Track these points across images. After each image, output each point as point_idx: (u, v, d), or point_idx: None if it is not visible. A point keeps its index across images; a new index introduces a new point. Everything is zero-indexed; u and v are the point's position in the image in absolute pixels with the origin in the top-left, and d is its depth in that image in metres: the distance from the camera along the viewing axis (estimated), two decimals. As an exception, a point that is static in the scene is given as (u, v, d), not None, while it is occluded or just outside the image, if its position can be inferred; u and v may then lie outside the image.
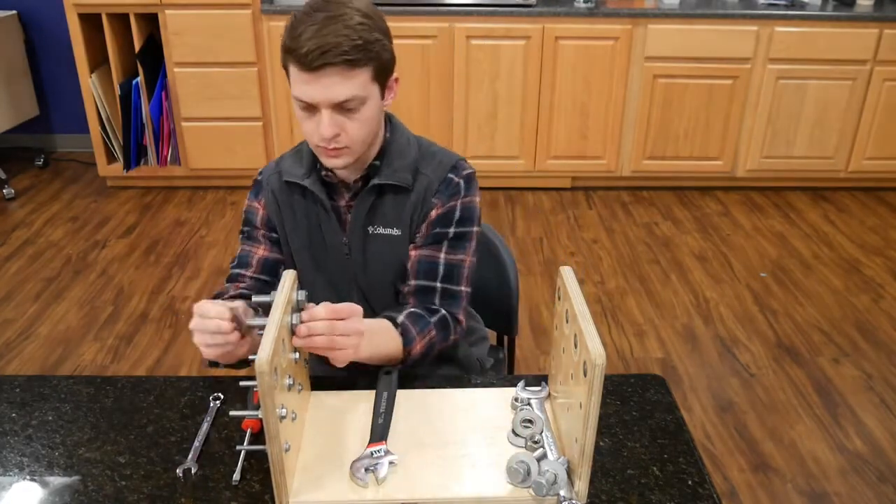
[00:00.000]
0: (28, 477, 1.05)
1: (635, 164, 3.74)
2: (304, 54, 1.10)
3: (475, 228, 1.33)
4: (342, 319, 1.06)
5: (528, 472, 1.00)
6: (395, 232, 1.31)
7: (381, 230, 1.32)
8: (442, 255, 1.31)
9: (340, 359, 1.08)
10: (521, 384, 1.20)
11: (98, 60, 3.62)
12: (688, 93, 3.57)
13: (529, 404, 1.16)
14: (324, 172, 1.30)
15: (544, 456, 1.04)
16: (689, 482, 1.04)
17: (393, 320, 1.25)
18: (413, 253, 1.32)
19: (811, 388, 2.40)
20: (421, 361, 1.27)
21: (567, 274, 1.06)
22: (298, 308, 1.06)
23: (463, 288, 1.33)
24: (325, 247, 1.34)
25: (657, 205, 3.70)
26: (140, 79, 3.56)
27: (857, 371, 2.48)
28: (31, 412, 1.17)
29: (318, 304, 1.07)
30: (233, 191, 3.80)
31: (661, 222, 3.52)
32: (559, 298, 1.10)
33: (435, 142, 1.39)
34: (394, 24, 3.94)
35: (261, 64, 3.52)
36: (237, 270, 1.36)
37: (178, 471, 1.05)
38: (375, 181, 1.28)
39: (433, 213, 1.30)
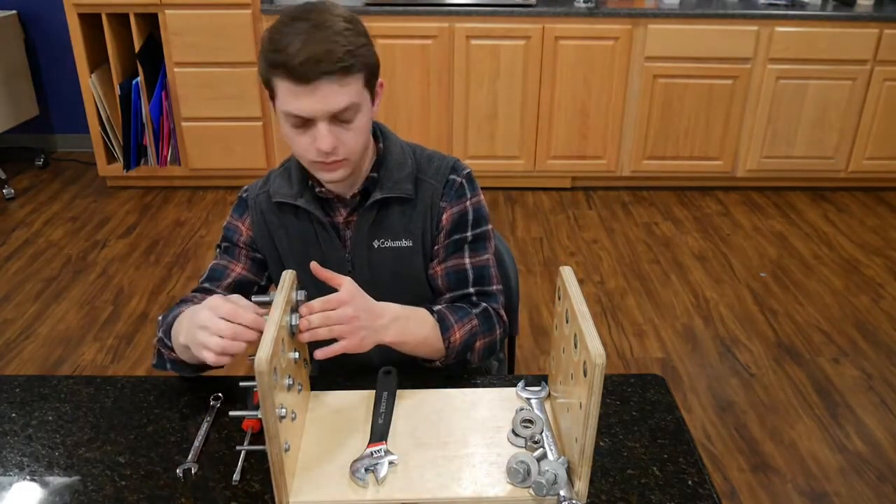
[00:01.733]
0: (28, 477, 1.05)
1: (635, 164, 3.74)
2: (296, 66, 1.06)
3: (489, 227, 1.33)
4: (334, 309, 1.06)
5: (528, 472, 1.00)
6: (406, 243, 1.29)
7: (388, 243, 1.29)
8: (467, 261, 1.30)
9: (354, 345, 1.07)
10: (521, 384, 1.20)
11: (98, 60, 3.62)
12: (688, 93, 3.57)
13: (530, 404, 1.16)
14: (317, 189, 1.26)
15: (544, 456, 1.04)
16: (689, 482, 1.04)
17: (429, 309, 1.23)
18: (438, 269, 1.30)
19: (811, 388, 2.40)
20: (463, 352, 1.25)
21: (567, 274, 1.06)
22: (298, 308, 1.06)
23: (495, 287, 1.32)
24: (324, 265, 1.29)
25: (657, 205, 3.70)
26: (140, 79, 3.56)
27: (857, 371, 2.48)
28: (31, 412, 1.17)
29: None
30: (233, 191, 3.80)
31: (661, 222, 3.53)
32: (559, 298, 1.10)
33: (423, 145, 1.37)
34: (394, 24, 3.93)
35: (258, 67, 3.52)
36: (206, 285, 1.31)
37: (178, 471, 1.05)
38: (378, 195, 1.25)
39: (445, 219, 1.28)
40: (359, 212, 1.27)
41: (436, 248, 1.30)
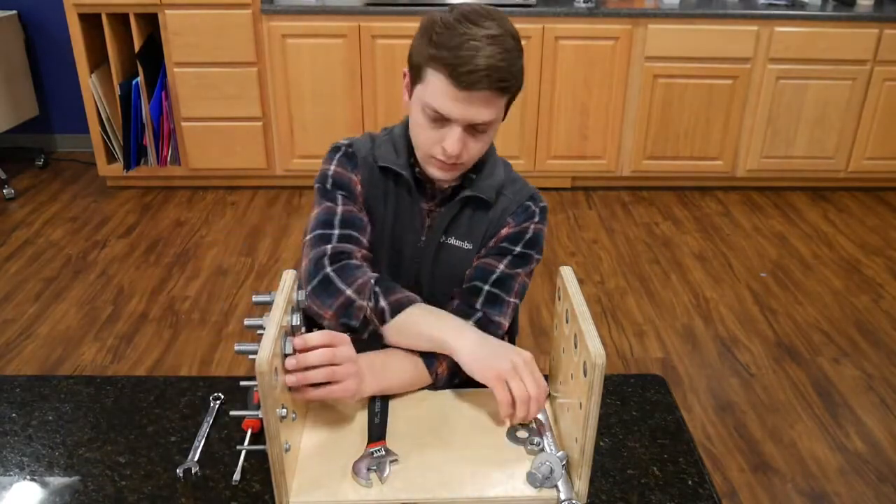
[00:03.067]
0: (28, 477, 1.05)
1: (635, 164, 3.74)
2: (466, 73, 1.07)
3: (538, 256, 1.33)
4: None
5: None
6: (467, 245, 1.30)
7: (454, 241, 1.30)
8: (501, 266, 1.29)
9: (341, 394, 1.04)
10: (521, 384, 1.20)
11: (98, 60, 3.62)
12: (688, 93, 3.57)
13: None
14: (417, 170, 1.27)
15: (542, 450, 1.04)
16: (689, 482, 1.04)
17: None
18: (475, 261, 1.31)
19: (811, 388, 2.40)
20: (451, 378, 1.20)
21: (567, 274, 1.06)
22: (299, 308, 1.06)
23: (511, 298, 1.28)
24: (401, 244, 1.31)
25: (657, 205, 3.70)
26: (140, 79, 3.56)
27: (857, 371, 2.48)
28: (31, 412, 1.17)
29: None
30: (233, 191, 3.80)
31: (661, 222, 3.53)
32: (559, 298, 1.10)
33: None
34: (394, 24, 3.93)
35: (261, 64, 3.52)
36: (351, 232, 1.23)
37: (178, 471, 1.05)
38: (468, 192, 1.26)
39: (504, 231, 1.30)
40: (445, 205, 1.28)
41: (484, 249, 1.31)
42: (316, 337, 1.01)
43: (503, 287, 1.28)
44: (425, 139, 1.17)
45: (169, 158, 3.75)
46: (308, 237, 1.24)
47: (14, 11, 3.88)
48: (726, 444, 2.16)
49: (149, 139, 3.69)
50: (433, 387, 1.20)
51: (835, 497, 1.98)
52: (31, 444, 1.11)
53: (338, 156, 1.29)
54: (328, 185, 1.27)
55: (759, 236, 3.40)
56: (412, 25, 3.41)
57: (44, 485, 1.04)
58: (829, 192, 3.85)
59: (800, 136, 3.67)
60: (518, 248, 1.30)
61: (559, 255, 3.22)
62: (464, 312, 1.24)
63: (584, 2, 3.52)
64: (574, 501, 0.98)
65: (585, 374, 0.93)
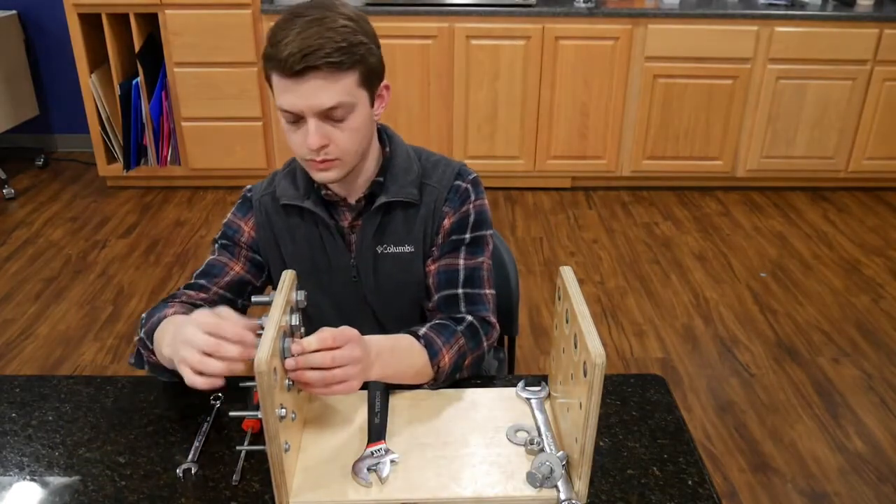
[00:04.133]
0: (28, 477, 1.05)
1: (635, 164, 3.74)
2: (284, 59, 1.05)
3: (489, 231, 1.30)
4: (337, 349, 0.99)
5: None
6: (408, 249, 1.28)
7: (391, 249, 1.28)
8: (461, 261, 1.27)
9: (343, 393, 1.01)
10: (521, 384, 1.20)
11: (98, 60, 3.62)
12: (688, 93, 3.57)
13: (530, 404, 1.16)
14: (323, 192, 1.25)
15: (542, 450, 1.04)
16: (689, 482, 1.04)
17: (415, 334, 1.18)
18: (432, 267, 1.28)
19: (811, 388, 2.40)
20: (453, 374, 1.20)
21: (567, 274, 1.06)
22: (297, 308, 1.06)
23: (486, 291, 1.28)
24: (329, 269, 1.29)
25: (657, 205, 3.70)
26: (140, 79, 3.56)
27: (857, 371, 2.48)
28: (31, 412, 1.17)
29: (326, 327, 1.01)
30: (233, 191, 3.80)
31: (661, 222, 3.53)
32: (559, 298, 1.10)
33: (429, 149, 1.35)
34: (394, 24, 3.93)
35: (261, 64, 3.52)
36: (202, 281, 1.28)
37: (178, 471, 1.05)
38: (383, 199, 1.24)
39: (446, 223, 1.27)
40: (364, 216, 1.26)
41: (433, 248, 1.29)
42: (313, 342, 0.98)
43: (475, 283, 1.27)
44: (294, 144, 1.15)
45: (169, 158, 3.75)
46: None
47: (14, 11, 3.88)
48: (726, 444, 2.16)
49: (149, 139, 3.69)
50: (434, 382, 1.19)
51: (835, 497, 1.98)
52: (31, 444, 1.11)
53: (237, 204, 1.33)
54: (217, 235, 1.33)
55: (759, 236, 3.40)
56: (412, 25, 3.42)
57: (44, 485, 1.04)
58: (829, 192, 3.85)
59: (800, 136, 3.67)
60: (468, 235, 1.27)
61: (559, 255, 3.22)
62: (454, 321, 1.23)
63: (584, 2, 3.52)
64: (574, 501, 0.98)
65: (585, 374, 0.93)
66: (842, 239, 3.38)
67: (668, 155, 3.71)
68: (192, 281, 1.29)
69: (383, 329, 1.31)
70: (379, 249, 1.28)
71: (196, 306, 1.21)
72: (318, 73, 1.07)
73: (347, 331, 1.01)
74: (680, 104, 3.59)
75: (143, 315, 1.21)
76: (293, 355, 0.97)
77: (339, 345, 0.99)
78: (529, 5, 3.44)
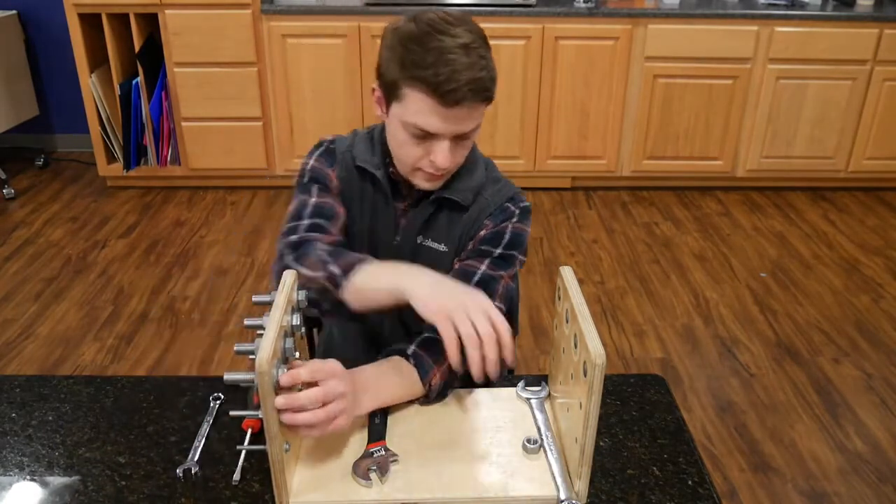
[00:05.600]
0: (28, 477, 1.05)
1: (635, 164, 3.74)
2: (450, 91, 1.05)
3: (521, 257, 1.28)
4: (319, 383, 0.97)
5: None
6: (443, 248, 1.28)
7: (430, 243, 1.29)
8: (483, 267, 1.24)
9: (333, 431, 0.99)
10: (521, 384, 1.20)
11: (98, 60, 3.62)
12: (688, 93, 3.57)
13: (530, 404, 1.16)
14: (391, 169, 1.26)
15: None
16: (689, 482, 1.04)
17: (404, 353, 1.15)
18: (455, 265, 1.26)
19: (811, 388, 2.40)
20: (444, 389, 1.16)
21: (567, 274, 1.06)
22: (299, 308, 1.06)
23: (495, 302, 1.20)
24: (377, 243, 1.30)
25: (657, 205, 3.70)
26: (140, 79, 3.56)
27: (857, 371, 2.48)
28: (31, 412, 1.17)
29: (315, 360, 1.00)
30: (233, 191, 3.80)
31: (661, 222, 3.53)
32: (559, 298, 1.09)
33: (497, 168, 1.35)
34: (394, 24, 3.82)
35: (261, 64, 3.52)
36: (320, 221, 1.22)
37: (178, 471, 1.05)
38: (442, 193, 1.24)
39: (482, 233, 1.26)
40: (419, 205, 1.27)
41: (462, 252, 1.28)
42: (304, 373, 0.95)
43: (487, 289, 1.20)
44: (410, 155, 1.16)
45: (169, 158, 3.75)
46: (281, 231, 1.24)
47: (14, 11, 3.88)
48: (726, 444, 2.16)
49: (149, 139, 3.69)
50: (426, 398, 1.15)
51: (835, 497, 1.98)
52: (31, 444, 1.11)
53: (318, 151, 1.31)
54: (305, 179, 1.28)
55: (759, 236, 3.40)
56: (412, 25, 3.42)
57: (44, 485, 1.04)
58: (829, 192, 3.85)
59: (800, 136, 3.67)
60: (499, 250, 1.25)
61: (559, 255, 3.22)
62: (437, 345, 1.15)
63: (584, 2, 3.52)
64: (574, 501, 0.98)
65: (585, 374, 0.93)
66: (842, 239, 3.38)
67: (668, 155, 3.71)
68: (309, 221, 1.22)
69: (402, 319, 1.31)
70: (419, 240, 1.29)
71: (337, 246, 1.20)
72: (472, 104, 1.09)
73: (329, 366, 1.00)
74: (680, 104, 3.59)
75: (319, 252, 1.15)
76: (282, 387, 0.94)
77: (327, 378, 0.97)
78: (529, 5, 3.44)
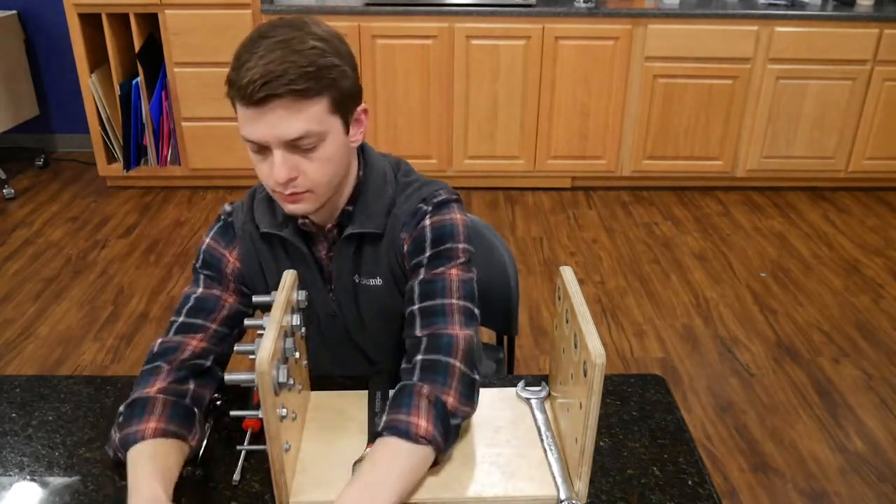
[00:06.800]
0: (28, 477, 1.05)
1: (635, 164, 3.74)
2: (244, 85, 0.96)
3: (459, 245, 1.14)
4: None
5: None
6: (378, 282, 1.19)
7: (365, 281, 1.19)
8: (418, 281, 1.12)
9: None
10: (521, 384, 1.20)
11: (98, 60, 3.62)
12: (688, 93, 3.57)
13: (530, 404, 1.16)
14: (300, 221, 1.15)
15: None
16: (689, 482, 1.04)
17: (378, 434, 1.00)
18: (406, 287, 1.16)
19: (811, 388, 2.40)
20: (449, 424, 1.01)
21: (567, 274, 1.06)
22: (298, 308, 1.06)
23: (450, 300, 1.10)
24: (312, 303, 1.19)
25: (657, 205, 3.70)
26: (140, 79, 3.56)
27: (857, 371, 2.48)
28: (31, 412, 1.17)
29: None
30: (232, 191, 3.80)
31: (661, 222, 3.53)
32: (559, 298, 1.09)
33: (416, 171, 1.22)
34: (394, 24, 3.92)
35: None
36: (197, 320, 1.14)
37: (181, 471, 1.04)
38: (349, 230, 1.14)
39: (405, 248, 1.15)
40: (336, 247, 1.17)
41: (404, 278, 1.17)
42: None
43: (434, 294, 1.10)
44: (262, 175, 1.06)
45: (169, 158, 3.75)
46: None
47: (14, 11, 3.88)
48: (726, 444, 2.16)
49: (149, 139, 3.69)
50: (440, 451, 1.01)
51: (835, 497, 1.98)
52: (31, 444, 1.11)
53: (215, 228, 1.22)
54: (198, 264, 1.21)
55: (759, 236, 3.40)
56: (412, 25, 3.42)
57: (44, 485, 1.04)
58: (829, 192, 3.85)
59: (800, 136, 3.67)
60: (427, 253, 1.13)
61: (559, 255, 3.22)
62: (413, 347, 1.09)
63: (584, 2, 3.52)
64: (574, 501, 0.98)
65: (585, 374, 0.93)
66: (842, 239, 3.38)
67: (668, 155, 3.71)
68: (183, 320, 1.15)
69: (370, 361, 1.27)
70: (356, 279, 1.19)
71: (195, 369, 1.11)
72: (281, 101, 0.97)
73: None
74: (680, 104, 3.59)
75: (124, 405, 1.05)
76: None
77: None
78: (529, 5, 3.44)
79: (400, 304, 1.18)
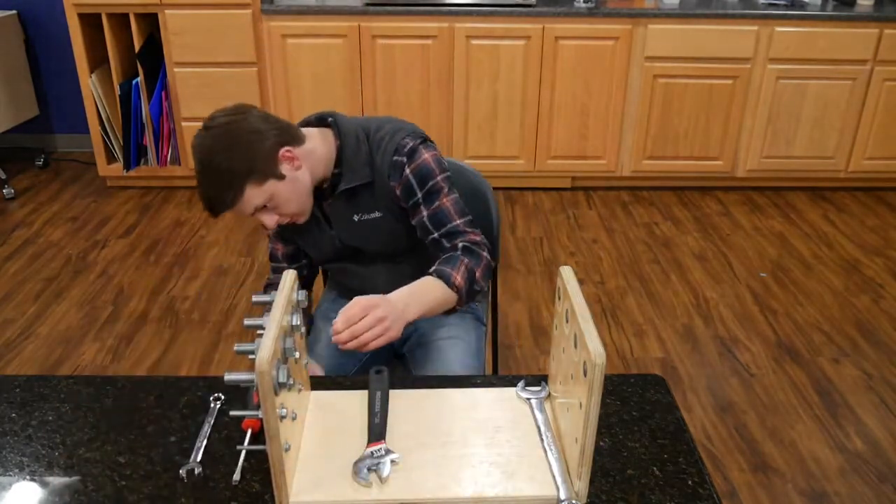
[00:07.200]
0: (28, 477, 1.05)
1: (635, 164, 3.74)
2: (205, 208, 1.32)
3: (438, 177, 1.42)
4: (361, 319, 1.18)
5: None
6: (377, 214, 1.46)
7: (364, 216, 1.46)
8: (424, 213, 1.43)
9: (393, 337, 1.22)
10: (521, 384, 1.20)
11: (98, 60, 3.62)
12: (688, 93, 3.57)
13: (530, 404, 1.16)
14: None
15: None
16: (689, 482, 1.04)
17: (429, 273, 1.36)
18: (413, 222, 1.46)
19: (811, 388, 2.40)
20: (472, 288, 1.38)
21: (567, 274, 1.06)
22: (299, 308, 1.06)
23: (457, 221, 1.43)
24: (318, 244, 1.53)
25: (657, 205, 3.70)
26: (140, 79, 3.56)
27: (857, 371, 2.48)
28: (31, 412, 1.17)
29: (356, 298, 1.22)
30: (233, 191, 3.79)
31: (661, 222, 3.53)
32: (559, 298, 1.10)
33: (378, 118, 1.49)
34: (394, 24, 3.92)
35: (261, 64, 3.52)
36: (273, 264, 1.64)
37: (181, 471, 1.05)
38: (343, 186, 1.42)
39: (398, 192, 1.43)
40: (333, 198, 1.45)
41: (400, 208, 1.46)
42: (339, 324, 1.17)
43: (444, 222, 1.43)
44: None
45: (169, 158, 3.75)
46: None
47: (14, 11, 3.88)
48: (726, 444, 2.17)
49: (149, 139, 3.69)
50: (461, 300, 1.36)
51: (835, 497, 1.98)
52: (31, 444, 1.11)
53: None
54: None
55: (759, 236, 3.40)
56: (412, 25, 3.42)
57: (44, 485, 1.04)
58: (829, 192, 3.85)
59: (800, 136, 3.67)
60: (419, 195, 1.42)
61: (559, 255, 3.22)
62: (450, 258, 1.39)
63: (584, 2, 3.52)
64: (574, 501, 0.98)
65: (585, 374, 0.93)
66: (842, 239, 3.38)
67: (668, 155, 3.71)
68: (273, 265, 1.64)
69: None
70: (355, 218, 1.47)
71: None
72: (226, 209, 1.31)
73: (366, 301, 1.20)
74: (680, 104, 3.59)
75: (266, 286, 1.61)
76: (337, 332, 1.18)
77: (376, 305, 1.19)
78: (529, 5, 3.44)
79: (398, 229, 1.48)
